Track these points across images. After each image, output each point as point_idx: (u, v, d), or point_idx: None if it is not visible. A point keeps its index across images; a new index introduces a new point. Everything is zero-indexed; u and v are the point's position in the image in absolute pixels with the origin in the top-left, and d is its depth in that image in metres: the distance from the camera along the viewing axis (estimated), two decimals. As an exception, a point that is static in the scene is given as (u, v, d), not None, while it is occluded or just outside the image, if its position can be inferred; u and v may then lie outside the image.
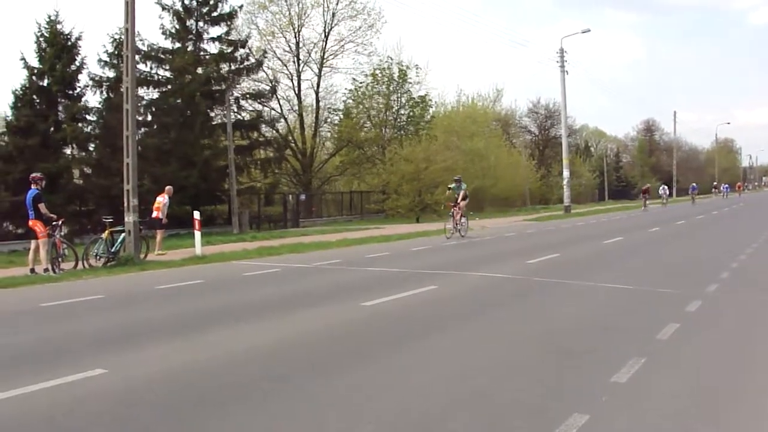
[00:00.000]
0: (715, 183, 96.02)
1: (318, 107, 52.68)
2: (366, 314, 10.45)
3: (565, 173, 53.68)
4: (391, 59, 51.49)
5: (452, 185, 27.25)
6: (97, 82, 34.61)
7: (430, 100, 54.22)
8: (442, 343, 8.38)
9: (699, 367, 7.22)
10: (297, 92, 51.92)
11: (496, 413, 5.76)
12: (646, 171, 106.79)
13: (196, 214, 21.39)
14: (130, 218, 19.17)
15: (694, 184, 70.81)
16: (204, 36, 39.81)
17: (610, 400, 6.01)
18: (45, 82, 32.31)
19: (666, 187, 67.47)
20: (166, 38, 39.05)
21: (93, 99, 42.31)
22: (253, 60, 42.44)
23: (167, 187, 23.22)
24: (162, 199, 22.55)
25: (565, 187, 53.07)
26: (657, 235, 26.58)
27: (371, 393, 6.33)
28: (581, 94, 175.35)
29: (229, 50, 40.34)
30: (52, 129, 32.01)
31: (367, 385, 6.61)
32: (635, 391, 6.27)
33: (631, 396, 6.13)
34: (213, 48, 40.15)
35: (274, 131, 47.97)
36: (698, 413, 5.81)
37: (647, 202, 56.41)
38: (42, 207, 16.56)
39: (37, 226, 16.59)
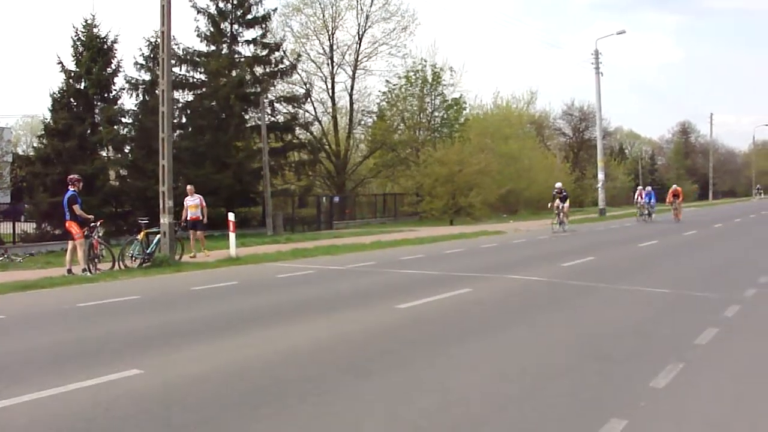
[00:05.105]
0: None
1: (352, 110, 52.81)
2: (401, 317, 10.42)
3: (600, 176, 53.17)
4: (425, 61, 51.42)
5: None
6: (133, 85, 35.03)
7: (464, 102, 54.07)
8: (478, 347, 8.32)
9: (738, 373, 7.11)
10: (331, 95, 52.14)
11: (533, 418, 5.72)
12: (682, 173, 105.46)
13: (231, 216, 21.45)
14: (165, 220, 19.27)
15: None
16: (239, 39, 40.12)
17: (648, 405, 5.94)
18: (82, 85, 32.70)
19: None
20: (201, 41, 39.47)
21: (129, 102, 42.95)
22: (287, 63, 42.66)
23: (188, 187, 22.90)
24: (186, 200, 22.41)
25: (599, 189, 52.59)
26: (693, 239, 26.27)
27: (408, 396, 6.29)
28: (616, 97, 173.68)
29: (263, 53, 40.59)
30: (88, 131, 32.38)
31: (403, 387, 6.57)
32: (674, 396, 6.20)
33: (670, 401, 6.06)
34: (247, 51, 40.48)
35: (308, 134, 48.09)
36: (737, 419, 5.72)
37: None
38: (76, 208, 16.70)
39: (73, 228, 16.75)
